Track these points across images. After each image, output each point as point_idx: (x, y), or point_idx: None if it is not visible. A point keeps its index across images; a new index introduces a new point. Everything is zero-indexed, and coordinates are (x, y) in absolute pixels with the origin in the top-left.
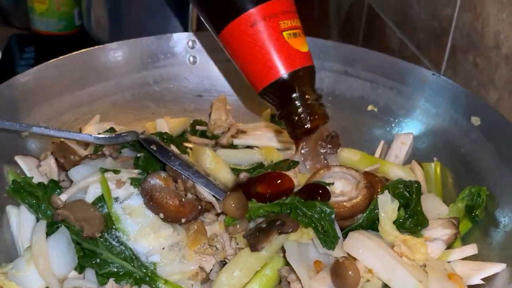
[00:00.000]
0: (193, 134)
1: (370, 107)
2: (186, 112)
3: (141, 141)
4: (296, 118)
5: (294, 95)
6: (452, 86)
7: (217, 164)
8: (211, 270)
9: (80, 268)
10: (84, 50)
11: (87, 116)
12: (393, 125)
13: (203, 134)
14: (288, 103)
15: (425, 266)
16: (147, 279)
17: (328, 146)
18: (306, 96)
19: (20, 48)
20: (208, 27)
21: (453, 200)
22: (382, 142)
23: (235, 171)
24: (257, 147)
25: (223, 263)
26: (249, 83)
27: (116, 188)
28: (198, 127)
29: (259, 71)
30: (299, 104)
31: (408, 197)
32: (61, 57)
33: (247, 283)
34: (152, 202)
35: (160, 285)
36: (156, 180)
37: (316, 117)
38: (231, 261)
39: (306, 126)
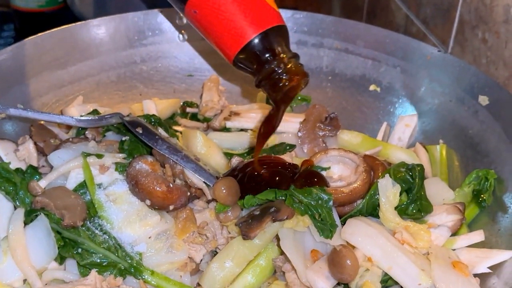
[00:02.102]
0: (183, 117)
1: (372, 87)
2: (175, 93)
3: (126, 124)
4: (276, 79)
5: (269, 55)
6: (459, 64)
7: (209, 148)
8: (201, 260)
9: (60, 259)
10: (66, 26)
11: (69, 97)
12: (396, 105)
13: (194, 117)
14: (264, 65)
15: (428, 254)
16: (132, 270)
17: (327, 128)
18: (283, 55)
19: None
20: (173, 4)
21: (460, 185)
22: (385, 124)
23: (228, 155)
24: (251, 130)
25: (214, 253)
26: (223, 54)
27: (99, 174)
28: (188, 109)
29: (234, 33)
30: (276, 64)
31: (411, 181)
32: (40, 34)
33: (239, 273)
34: (137, 188)
35: (146, 277)
36: (142, 165)
37: (296, 74)
38: (222, 250)
39: (286, 85)
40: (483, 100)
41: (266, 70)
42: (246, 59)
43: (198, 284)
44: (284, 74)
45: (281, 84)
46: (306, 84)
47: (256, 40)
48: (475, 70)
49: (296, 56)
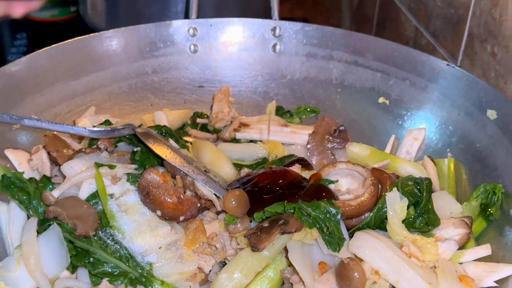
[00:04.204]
0: (193, 127)
1: (381, 99)
2: (186, 104)
3: (138, 135)
4: None
5: None
6: (468, 78)
7: (219, 160)
8: (210, 271)
9: (72, 268)
10: (79, 38)
11: (81, 107)
12: (405, 118)
13: (204, 128)
14: None
15: (435, 268)
16: (143, 279)
17: (336, 140)
18: None
19: (11, 35)
20: None
21: (467, 198)
22: (393, 137)
23: (238, 166)
24: (261, 141)
25: (222, 264)
26: None
27: (111, 184)
28: (198, 120)
29: None
30: None
31: (419, 194)
32: (54, 45)
33: (248, 284)
34: (149, 199)
35: (156, 287)
36: (154, 176)
37: None
38: (231, 261)
39: None
40: (491, 114)
41: None
42: None
43: None
44: None
45: None
46: None
47: None
48: (484, 84)
49: None
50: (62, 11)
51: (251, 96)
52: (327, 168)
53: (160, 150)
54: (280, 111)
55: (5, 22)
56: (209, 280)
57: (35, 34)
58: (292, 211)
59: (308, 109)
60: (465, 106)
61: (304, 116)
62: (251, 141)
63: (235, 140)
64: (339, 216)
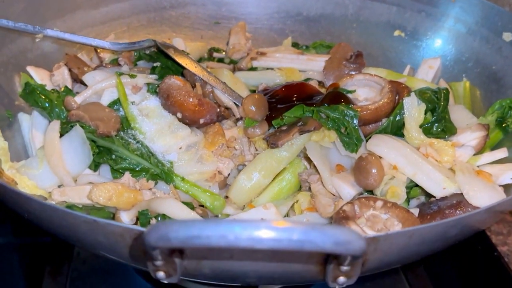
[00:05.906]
0: (210, 61)
1: (396, 33)
2: (203, 39)
3: (159, 45)
4: None
5: None
6: (483, 4)
7: (235, 85)
8: (228, 174)
9: (94, 167)
10: None
11: (100, 36)
12: (420, 49)
13: (220, 61)
14: None
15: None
16: (164, 175)
17: (352, 66)
18: None
19: None
20: None
21: (483, 114)
22: (408, 66)
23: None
24: (278, 68)
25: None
26: None
27: (132, 94)
28: (215, 54)
29: None
30: None
31: (436, 101)
32: None
33: (266, 186)
34: (169, 101)
35: (177, 182)
36: (175, 81)
37: None
38: (250, 163)
39: None
40: (507, 36)
41: None
42: None
43: (227, 197)
44: None
45: None
46: None
47: None
48: (499, 8)
49: None
50: None
51: (267, 33)
52: (344, 79)
53: (181, 59)
54: (295, 47)
55: None
56: (228, 183)
57: None
58: (310, 115)
59: (324, 45)
60: (481, 32)
61: (320, 52)
62: (267, 69)
63: (252, 69)
64: (356, 121)
